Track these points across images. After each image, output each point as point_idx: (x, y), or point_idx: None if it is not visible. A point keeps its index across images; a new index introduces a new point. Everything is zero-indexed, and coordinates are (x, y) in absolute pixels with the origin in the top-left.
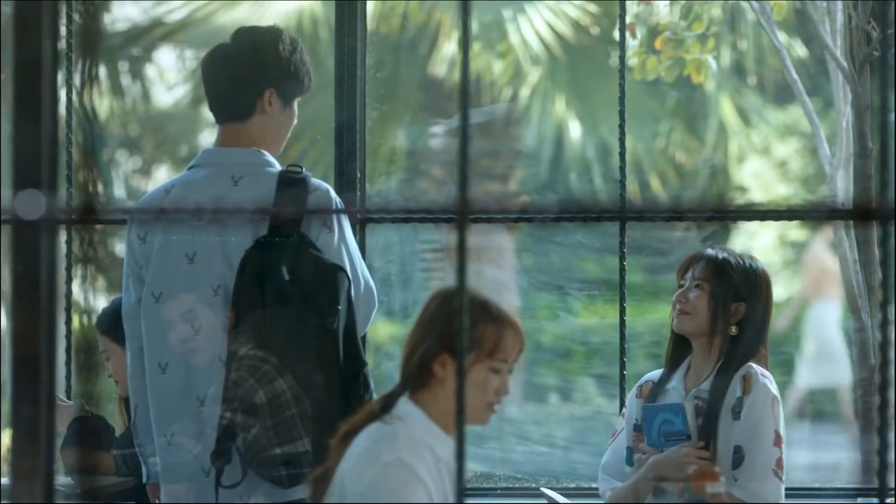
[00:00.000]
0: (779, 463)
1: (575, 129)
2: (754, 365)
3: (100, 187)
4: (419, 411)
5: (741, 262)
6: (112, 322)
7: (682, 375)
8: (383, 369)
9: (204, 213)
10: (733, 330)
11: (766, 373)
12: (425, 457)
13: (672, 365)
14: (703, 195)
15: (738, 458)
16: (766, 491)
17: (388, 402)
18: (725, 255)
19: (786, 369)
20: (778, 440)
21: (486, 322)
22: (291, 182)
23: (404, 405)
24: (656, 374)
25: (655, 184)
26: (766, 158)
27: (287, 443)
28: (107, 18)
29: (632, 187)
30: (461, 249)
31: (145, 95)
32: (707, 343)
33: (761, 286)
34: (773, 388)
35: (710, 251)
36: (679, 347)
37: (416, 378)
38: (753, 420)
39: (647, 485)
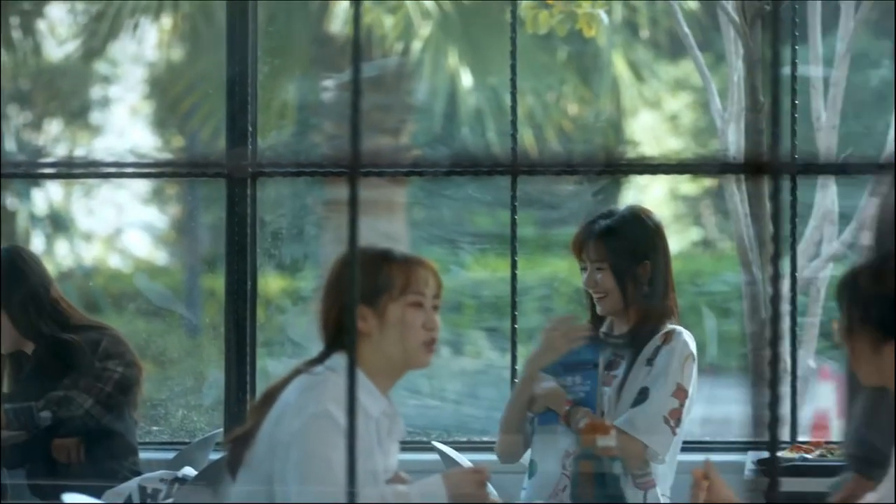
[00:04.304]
0: (673, 413)
1: (467, 83)
2: (680, 327)
3: None
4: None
5: (627, 224)
6: None
7: (606, 329)
8: (275, 323)
9: None
10: (646, 290)
11: (689, 334)
12: None
13: (595, 325)
14: (595, 149)
15: (641, 398)
16: (651, 433)
17: (315, 362)
18: (609, 223)
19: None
20: (679, 393)
21: (391, 264)
22: None
23: (337, 358)
24: None
25: (548, 137)
26: (658, 112)
27: None
28: None
29: (525, 141)
30: (353, 203)
31: (36, 49)
32: (630, 309)
33: (656, 239)
34: (692, 348)
35: (596, 226)
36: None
37: (340, 337)
38: (661, 366)
39: (527, 386)
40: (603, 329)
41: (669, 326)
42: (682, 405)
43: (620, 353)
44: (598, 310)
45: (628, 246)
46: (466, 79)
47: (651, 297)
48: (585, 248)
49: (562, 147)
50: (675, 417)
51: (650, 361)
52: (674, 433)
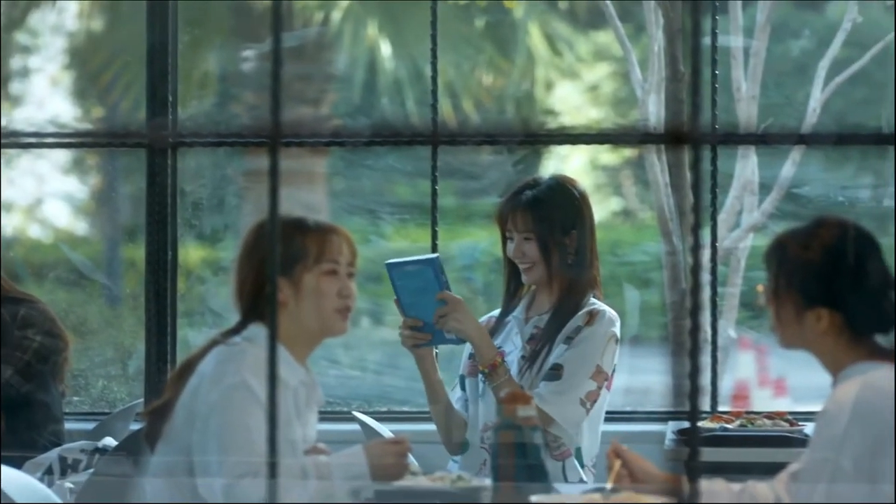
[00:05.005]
0: (590, 396)
1: (387, 53)
2: (604, 305)
3: None
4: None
5: (554, 193)
6: None
7: (525, 305)
8: (195, 293)
9: None
10: (571, 260)
11: (615, 314)
12: None
13: (510, 296)
14: (515, 120)
15: (553, 374)
16: (564, 411)
17: (231, 332)
18: (535, 193)
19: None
20: (597, 375)
21: (304, 233)
22: None
23: (254, 328)
24: (497, 312)
25: (468, 107)
26: (578, 83)
27: None
28: None
29: (444, 111)
30: (273, 174)
31: None
32: (554, 279)
33: (582, 208)
34: (615, 328)
35: (523, 197)
36: (514, 277)
37: (256, 307)
38: (582, 346)
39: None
40: (525, 300)
41: (594, 303)
42: (599, 388)
43: (541, 326)
44: (524, 279)
45: (555, 216)
46: (386, 49)
47: (576, 268)
48: (511, 218)
49: (480, 117)
50: (591, 399)
51: (569, 340)
52: (587, 413)
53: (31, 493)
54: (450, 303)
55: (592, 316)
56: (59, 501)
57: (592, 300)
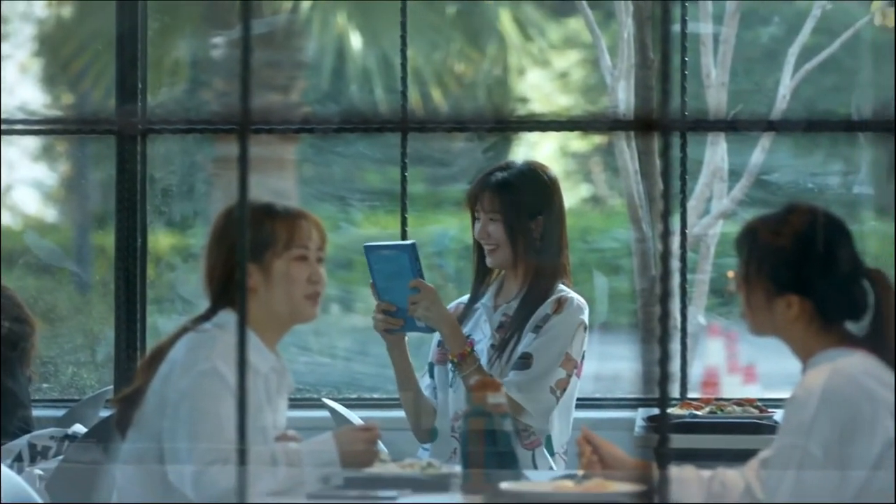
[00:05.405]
0: (560, 384)
1: (356, 41)
2: (573, 292)
3: None
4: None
5: (524, 177)
6: None
7: (493, 292)
8: (165, 280)
9: None
10: (537, 245)
11: (583, 301)
12: None
13: (479, 282)
14: (486, 106)
15: (523, 362)
16: (535, 400)
17: (201, 319)
18: (505, 175)
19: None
20: (568, 363)
21: (274, 218)
22: None
23: (224, 315)
24: (466, 297)
25: (436, 95)
26: (547, 70)
27: None
28: None
29: (412, 100)
30: (242, 160)
31: None
32: (520, 265)
33: (552, 194)
34: (584, 316)
35: (493, 178)
36: (483, 262)
37: (226, 293)
38: (551, 335)
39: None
40: (493, 287)
41: (562, 290)
42: (569, 375)
43: (510, 314)
44: (488, 262)
45: (523, 200)
46: (355, 36)
47: (543, 254)
48: (480, 199)
49: (450, 105)
50: (561, 387)
51: (538, 329)
52: (557, 401)
53: (12, 490)
54: (422, 291)
55: (561, 303)
56: (36, 497)
57: (561, 287)
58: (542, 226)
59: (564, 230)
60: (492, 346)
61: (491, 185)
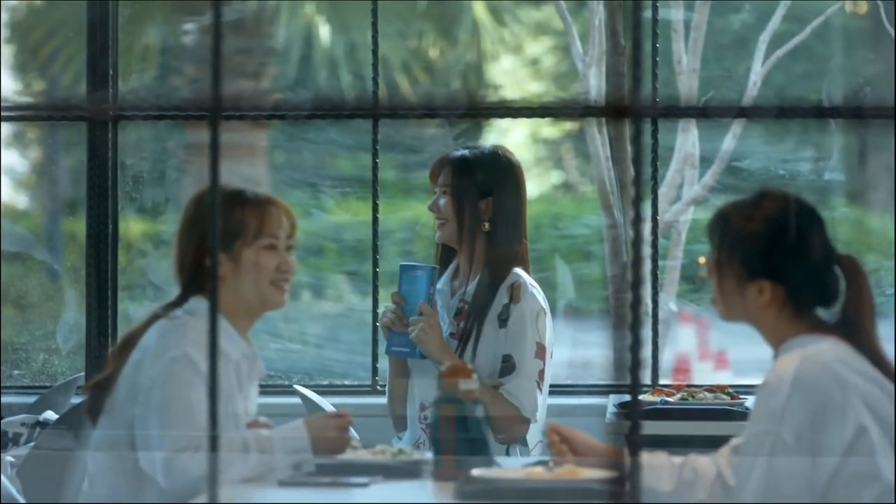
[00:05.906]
0: (540, 375)
1: (324, 28)
2: (523, 274)
3: None
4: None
5: (482, 157)
6: None
7: (448, 277)
8: (136, 266)
9: None
10: (485, 227)
11: (535, 284)
12: None
13: (442, 267)
14: (456, 93)
15: (508, 366)
16: (528, 400)
17: (172, 305)
18: (465, 153)
19: (541, 265)
20: (540, 352)
21: (244, 206)
22: None
23: (195, 302)
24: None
25: (404, 83)
26: (519, 56)
27: None
28: None
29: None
30: (214, 147)
31: None
32: (468, 245)
33: (508, 178)
34: (540, 300)
35: (452, 154)
36: (445, 249)
37: (197, 280)
38: (519, 330)
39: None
40: (448, 272)
41: (516, 276)
42: (545, 363)
43: (467, 300)
44: (437, 236)
45: (475, 177)
46: (323, 24)
47: (492, 237)
48: (440, 172)
49: (422, 91)
50: (542, 378)
51: (503, 322)
52: (540, 392)
53: None
54: (425, 315)
55: (515, 290)
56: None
57: (516, 272)
58: (492, 207)
59: (521, 216)
60: (451, 334)
61: (449, 160)
